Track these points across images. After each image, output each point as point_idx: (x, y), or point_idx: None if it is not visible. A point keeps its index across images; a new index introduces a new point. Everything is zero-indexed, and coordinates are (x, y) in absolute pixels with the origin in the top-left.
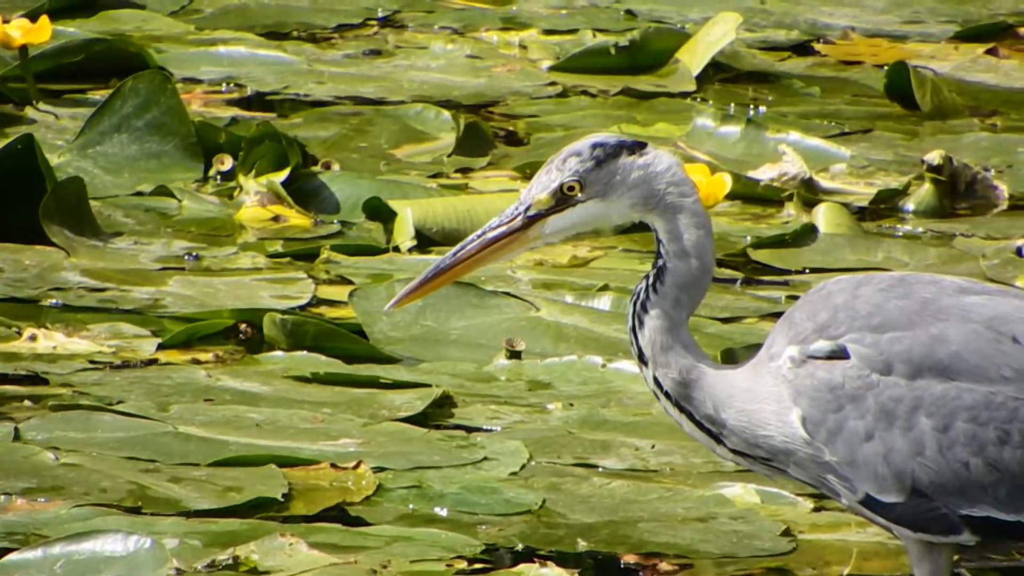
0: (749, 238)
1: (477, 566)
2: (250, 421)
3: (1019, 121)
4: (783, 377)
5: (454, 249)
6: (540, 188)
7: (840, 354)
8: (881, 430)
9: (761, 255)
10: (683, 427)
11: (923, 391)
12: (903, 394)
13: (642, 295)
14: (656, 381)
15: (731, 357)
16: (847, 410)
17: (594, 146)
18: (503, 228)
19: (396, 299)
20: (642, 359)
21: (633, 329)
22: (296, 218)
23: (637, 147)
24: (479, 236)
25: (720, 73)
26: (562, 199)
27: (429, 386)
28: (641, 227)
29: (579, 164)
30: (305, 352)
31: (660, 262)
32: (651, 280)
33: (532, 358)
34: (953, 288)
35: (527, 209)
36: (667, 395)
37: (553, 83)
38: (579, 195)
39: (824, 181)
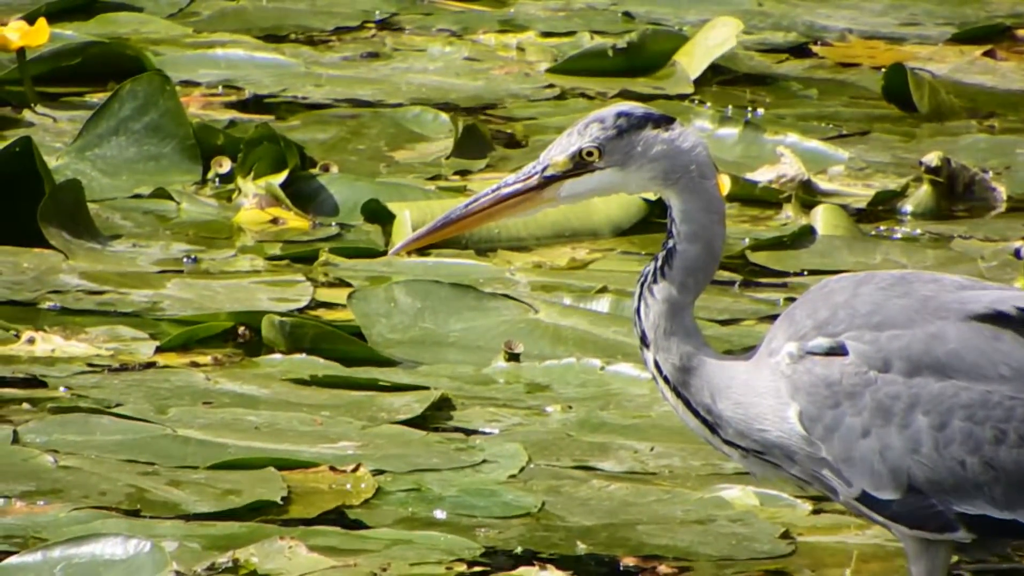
0: (747, 240)
1: (476, 569)
2: (249, 424)
3: (1017, 123)
4: (781, 373)
5: (467, 201)
6: (559, 150)
7: (839, 351)
8: (878, 427)
9: (759, 257)
10: (678, 412)
11: (920, 389)
12: (900, 391)
13: (649, 277)
14: (656, 365)
15: None
16: (844, 407)
17: (619, 115)
18: (518, 186)
19: (403, 243)
20: (644, 341)
21: (638, 311)
22: (294, 220)
23: (664, 121)
24: (493, 191)
25: (718, 75)
26: (580, 163)
27: (428, 388)
28: (641, 228)
29: (600, 131)
30: (304, 355)
31: (670, 243)
32: (659, 263)
33: (531, 360)
34: (953, 286)
35: (544, 169)
36: (665, 379)
37: (551, 85)
38: (597, 162)
39: (822, 183)
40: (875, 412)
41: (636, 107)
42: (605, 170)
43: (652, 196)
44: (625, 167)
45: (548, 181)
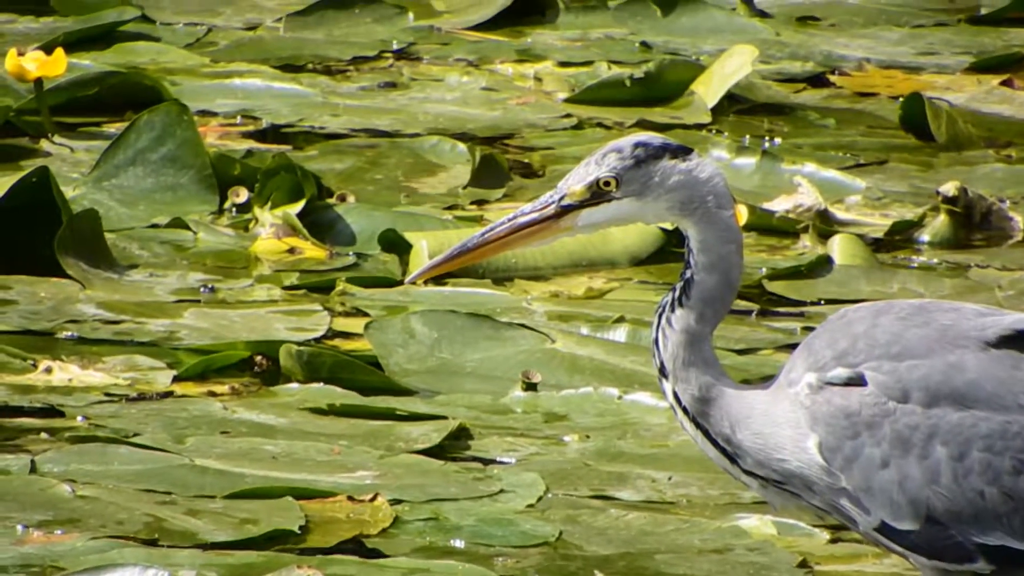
0: (764, 269)
1: None
2: (266, 453)
3: None
4: (801, 403)
5: (483, 230)
6: (576, 180)
7: (857, 381)
8: (897, 457)
9: (776, 286)
10: (697, 442)
11: (939, 419)
12: (919, 422)
13: (667, 308)
14: (675, 395)
15: None
16: (863, 437)
17: (636, 145)
18: (535, 215)
19: (418, 272)
20: (663, 372)
21: (656, 341)
22: (311, 250)
23: (681, 151)
24: (510, 220)
25: (735, 105)
26: (597, 193)
27: (445, 418)
28: (658, 257)
29: (618, 161)
30: (321, 384)
31: (688, 274)
32: (677, 293)
33: (548, 390)
34: (973, 314)
35: (561, 199)
36: (685, 410)
37: (568, 115)
38: (615, 191)
39: (839, 212)
40: (894, 442)
41: (654, 137)
42: (622, 200)
43: (669, 226)
44: (642, 197)
45: (565, 210)
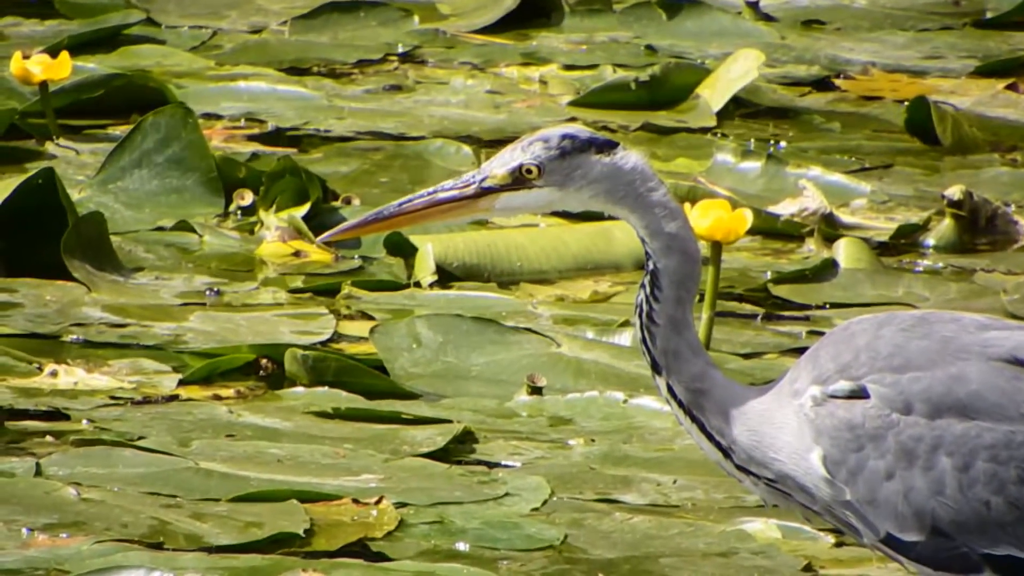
0: (769, 273)
1: None
2: (271, 456)
3: None
4: (805, 417)
5: (401, 200)
6: (500, 164)
7: (860, 394)
8: (901, 469)
9: (781, 290)
10: (692, 435)
11: (943, 430)
12: (923, 433)
13: (644, 305)
14: (669, 389)
15: None
16: (867, 449)
17: (564, 136)
18: (455, 192)
19: (331, 232)
20: (656, 368)
21: (644, 340)
22: (317, 253)
23: (607, 146)
24: (429, 194)
25: (740, 108)
26: (519, 179)
27: (450, 422)
28: None
29: (543, 150)
30: (326, 388)
31: (651, 264)
32: (648, 288)
33: (553, 394)
34: (974, 325)
35: (483, 180)
36: (680, 403)
37: (573, 118)
38: (536, 180)
39: (844, 216)
40: (898, 454)
41: (582, 131)
42: (543, 189)
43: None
44: (564, 188)
45: (485, 192)
